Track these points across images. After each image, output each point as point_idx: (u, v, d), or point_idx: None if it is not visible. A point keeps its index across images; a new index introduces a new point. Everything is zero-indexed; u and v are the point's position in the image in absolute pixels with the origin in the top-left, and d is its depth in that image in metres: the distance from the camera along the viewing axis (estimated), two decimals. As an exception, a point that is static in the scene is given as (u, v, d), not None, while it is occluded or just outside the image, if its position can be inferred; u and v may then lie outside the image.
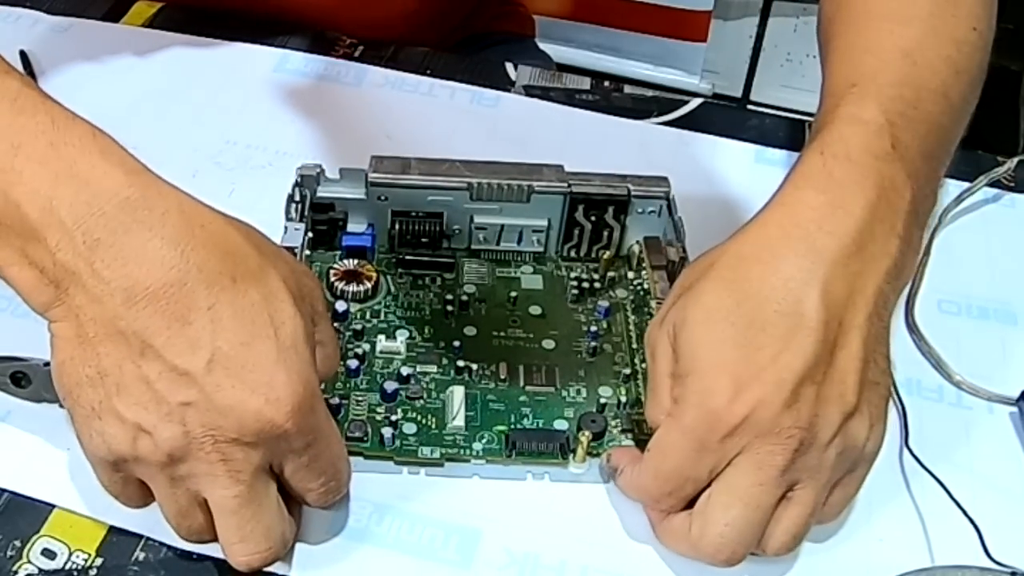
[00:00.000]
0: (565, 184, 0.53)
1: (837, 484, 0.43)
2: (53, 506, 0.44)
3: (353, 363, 0.49)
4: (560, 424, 0.48)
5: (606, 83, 0.70)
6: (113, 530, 0.43)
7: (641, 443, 0.48)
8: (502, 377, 0.50)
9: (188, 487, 0.39)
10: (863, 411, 0.42)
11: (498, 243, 0.55)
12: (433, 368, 0.50)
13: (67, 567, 0.42)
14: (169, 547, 0.43)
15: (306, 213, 0.52)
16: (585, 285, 0.54)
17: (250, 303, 0.38)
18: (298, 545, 0.43)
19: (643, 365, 0.50)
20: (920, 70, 0.48)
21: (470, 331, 0.52)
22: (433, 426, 0.47)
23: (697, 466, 0.41)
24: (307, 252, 0.51)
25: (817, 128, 0.47)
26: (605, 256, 0.55)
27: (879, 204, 0.43)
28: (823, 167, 0.44)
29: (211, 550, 0.43)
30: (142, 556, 0.43)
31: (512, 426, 0.48)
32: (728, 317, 0.41)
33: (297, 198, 0.52)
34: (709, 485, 0.42)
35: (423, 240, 0.55)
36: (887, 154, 0.44)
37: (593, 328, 0.52)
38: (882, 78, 0.47)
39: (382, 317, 0.52)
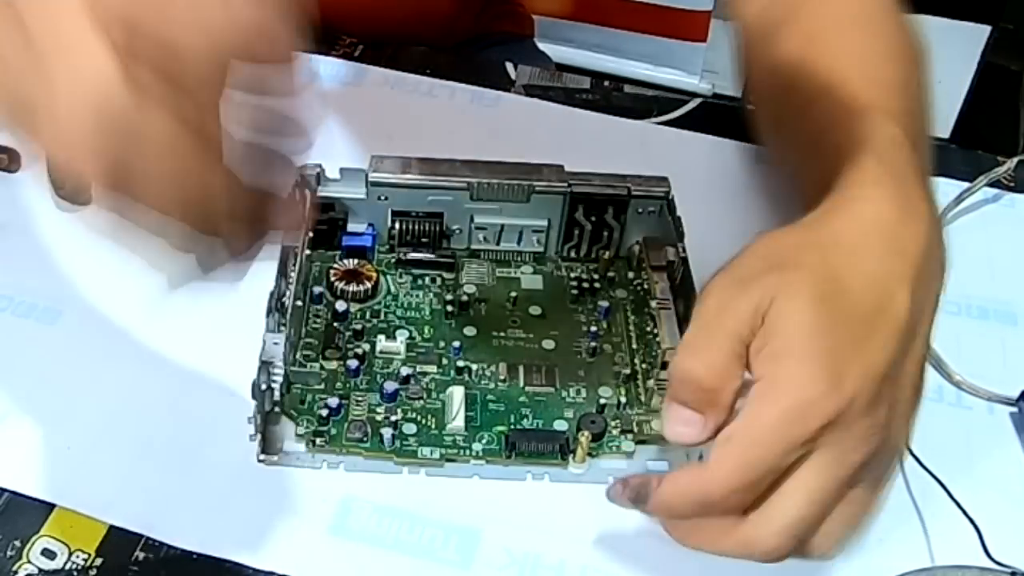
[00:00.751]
0: (565, 184, 0.53)
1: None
2: (53, 506, 0.44)
3: (353, 363, 0.49)
4: (560, 424, 0.48)
5: (606, 83, 0.70)
6: (113, 530, 0.43)
7: (642, 443, 0.48)
8: (502, 377, 0.50)
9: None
10: (906, 415, 0.41)
11: (498, 243, 0.55)
12: (433, 368, 0.50)
13: (67, 567, 0.42)
14: (169, 547, 0.43)
15: (306, 213, 0.52)
16: (585, 285, 0.54)
17: None
18: (298, 545, 0.43)
19: (643, 365, 0.50)
20: (909, 101, 0.50)
21: (470, 331, 0.52)
22: (433, 426, 0.47)
23: (786, 457, 0.39)
24: (307, 252, 0.51)
25: (849, 132, 0.47)
26: (605, 256, 0.55)
27: (934, 215, 0.44)
28: (887, 172, 0.44)
29: (211, 550, 0.43)
30: (142, 556, 0.43)
31: (512, 426, 0.48)
32: (826, 305, 0.40)
33: (297, 198, 0.52)
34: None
35: (423, 240, 0.55)
36: (924, 173, 0.46)
37: (593, 328, 0.52)
38: (888, 104, 0.49)
39: (382, 317, 0.52)
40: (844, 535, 0.40)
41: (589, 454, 0.46)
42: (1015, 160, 0.65)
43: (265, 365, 0.45)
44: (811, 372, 0.39)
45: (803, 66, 0.53)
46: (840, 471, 0.39)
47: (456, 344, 0.50)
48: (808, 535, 0.40)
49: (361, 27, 0.72)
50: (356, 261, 0.53)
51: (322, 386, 0.49)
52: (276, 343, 0.45)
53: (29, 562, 0.42)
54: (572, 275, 0.55)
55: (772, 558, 0.39)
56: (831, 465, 0.39)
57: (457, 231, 0.55)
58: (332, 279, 0.52)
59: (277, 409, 0.47)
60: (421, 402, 0.48)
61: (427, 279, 0.54)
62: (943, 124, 1.53)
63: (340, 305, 0.51)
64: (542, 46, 0.92)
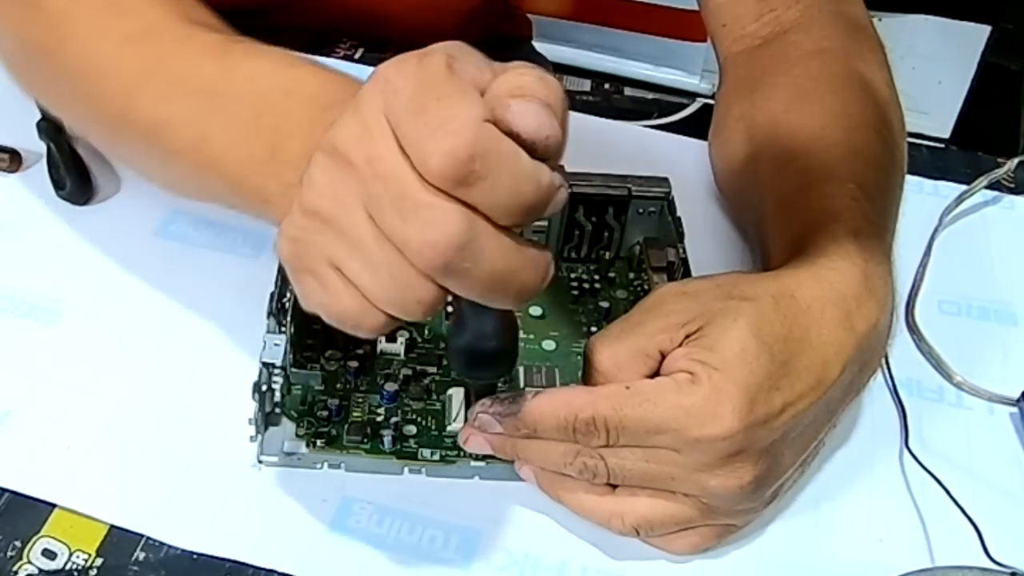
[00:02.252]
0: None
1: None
2: (53, 506, 0.44)
3: (353, 364, 0.49)
4: (560, 424, 0.48)
5: (607, 85, 0.70)
6: (113, 530, 0.43)
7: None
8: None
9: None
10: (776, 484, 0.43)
11: (498, 243, 0.55)
12: (433, 369, 0.50)
13: (67, 567, 0.42)
14: (169, 547, 0.43)
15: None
16: (585, 286, 0.54)
17: None
18: (298, 545, 0.43)
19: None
20: (867, 169, 0.51)
21: (470, 331, 0.52)
22: (433, 427, 0.47)
23: (657, 440, 0.40)
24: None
25: (824, 198, 0.49)
26: (605, 257, 0.55)
27: (889, 297, 0.46)
28: (858, 249, 0.46)
29: (211, 550, 0.43)
30: (142, 556, 0.43)
31: (512, 426, 0.48)
32: (765, 342, 0.41)
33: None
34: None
35: (423, 240, 0.54)
36: (889, 249, 0.48)
37: (593, 329, 0.52)
38: (841, 169, 0.50)
39: (382, 317, 0.52)
40: (681, 552, 0.43)
41: (589, 454, 0.46)
42: (1015, 161, 0.65)
43: (266, 366, 0.45)
44: (728, 395, 0.40)
45: (779, 128, 0.54)
46: (696, 511, 0.42)
47: (456, 344, 0.50)
48: (652, 537, 0.43)
49: (362, 29, 0.72)
50: (356, 261, 0.53)
51: (322, 387, 0.49)
52: (277, 344, 0.45)
53: (29, 562, 0.42)
54: (572, 275, 0.55)
55: (618, 533, 0.43)
56: (693, 503, 0.42)
57: (457, 231, 0.55)
58: (332, 279, 0.52)
59: (278, 410, 0.47)
60: (421, 403, 0.48)
61: (427, 279, 0.54)
62: (943, 124, 1.53)
63: (340, 305, 0.51)
64: (542, 46, 0.92)
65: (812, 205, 0.49)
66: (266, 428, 0.47)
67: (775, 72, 0.57)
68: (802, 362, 0.42)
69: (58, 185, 0.58)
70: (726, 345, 0.41)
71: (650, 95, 0.70)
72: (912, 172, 0.64)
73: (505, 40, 0.88)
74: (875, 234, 0.47)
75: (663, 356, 0.42)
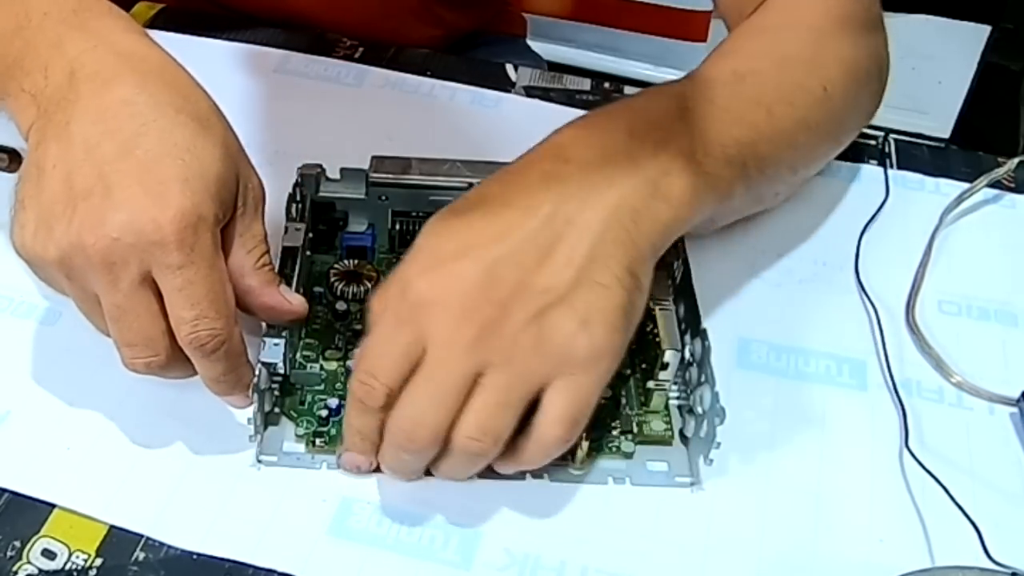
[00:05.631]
0: (565, 184, 0.53)
1: (549, 387, 0.41)
2: (53, 506, 0.44)
3: (352, 364, 0.49)
4: (560, 424, 0.48)
5: (606, 84, 0.70)
6: (113, 530, 0.43)
7: (642, 444, 0.48)
8: (502, 377, 0.49)
9: (84, 288, 0.42)
10: (573, 306, 0.41)
11: (498, 243, 0.55)
12: (433, 368, 0.50)
13: (67, 567, 0.42)
14: (169, 547, 0.43)
15: (307, 213, 0.52)
16: (585, 285, 0.54)
17: (180, 131, 0.42)
18: (298, 545, 0.43)
19: (643, 366, 0.50)
20: (747, 86, 0.51)
21: (470, 331, 0.52)
22: (433, 426, 0.47)
23: (396, 342, 0.41)
24: (307, 252, 0.51)
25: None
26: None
27: (646, 135, 0.45)
28: (604, 109, 0.48)
29: (211, 550, 0.43)
30: (142, 556, 0.43)
31: (512, 426, 0.47)
32: (453, 208, 0.43)
33: (298, 198, 0.52)
34: None
35: (423, 240, 0.54)
36: (671, 112, 0.47)
37: (593, 328, 0.52)
38: (707, 83, 0.50)
39: (382, 317, 0.52)
40: (482, 421, 0.41)
41: (588, 455, 0.46)
42: (1015, 161, 0.65)
43: (265, 366, 0.45)
44: (413, 257, 0.43)
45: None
46: (449, 350, 0.41)
47: (456, 344, 0.50)
48: (433, 415, 0.41)
49: (360, 28, 0.72)
50: (356, 261, 0.53)
51: (322, 387, 0.49)
52: (276, 344, 0.45)
53: (29, 562, 0.42)
54: (572, 275, 0.55)
55: (401, 439, 0.42)
56: (443, 344, 0.41)
57: (457, 231, 0.54)
58: (332, 279, 0.52)
59: (277, 409, 0.47)
60: (421, 402, 0.48)
61: (427, 279, 0.54)
62: (943, 124, 1.53)
63: (340, 305, 0.51)
64: (543, 46, 0.92)
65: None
66: (265, 428, 0.47)
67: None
68: (497, 203, 0.43)
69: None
70: (422, 232, 0.44)
71: (650, 95, 0.70)
72: (913, 171, 0.64)
73: (499, 38, 0.88)
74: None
75: None
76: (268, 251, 0.46)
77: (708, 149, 0.47)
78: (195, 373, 0.44)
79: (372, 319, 0.43)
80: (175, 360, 0.43)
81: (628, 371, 0.50)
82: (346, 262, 0.53)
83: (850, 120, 0.58)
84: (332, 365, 0.49)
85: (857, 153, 0.64)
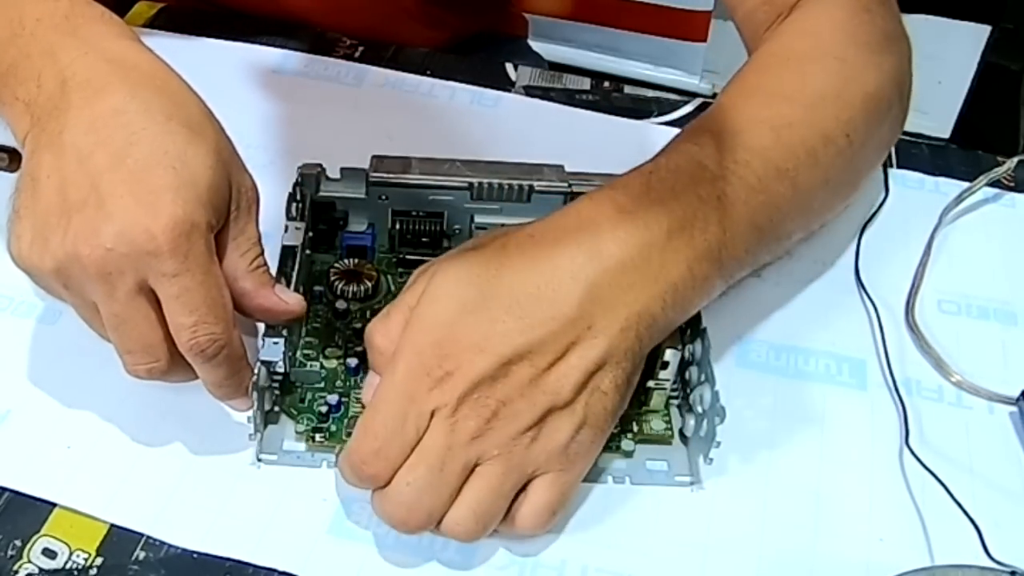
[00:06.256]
0: (565, 184, 0.53)
1: (536, 478, 0.43)
2: (53, 505, 0.44)
3: (353, 362, 0.49)
4: (560, 424, 0.48)
5: (606, 83, 0.70)
6: (113, 529, 0.43)
7: (642, 443, 0.48)
8: (502, 377, 0.49)
9: (83, 296, 0.42)
10: (574, 411, 0.43)
11: (498, 243, 0.55)
12: (433, 368, 0.50)
13: (67, 567, 0.42)
14: (170, 546, 0.43)
15: (307, 212, 0.52)
16: (585, 285, 0.54)
17: (171, 139, 0.42)
18: (298, 545, 0.43)
19: (643, 365, 0.50)
20: (779, 149, 0.50)
21: (470, 331, 0.52)
22: (433, 426, 0.47)
23: (405, 421, 0.41)
24: (307, 251, 0.51)
25: (660, 151, 0.49)
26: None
27: (680, 234, 0.45)
28: (644, 184, 0.46)
29: (211, 549, 0.43)
30: (142, 555, 0.43)
31: (512, 426, 0.47)
32: (481, 282, 0.43)
33: (298, 197, 0.52)
34: None
35: (424, 240, 0.55)
36: (709, 199, 0.46)
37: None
38: (740, 140, 0.49)
39: (382, 317, 0.52)
40: (474, 509, 0.42)
41: (589, 454, 0.46)
42: (1015, 160, 0.65)
43: (265, 364, 0.45)
44: (424, 328, 0.43)
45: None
46: (452, 436, 0.41)
47: (456, 344, 0.50)
48: (429, 500, 0.41)
49: (360, 28, 0.72)
50: (356, 261, 0.53)
51: (322, 385, 0.49)
52: (276, 342, 0.45)
53: (30, 562, 0.42)
54: (572, 275, 0.55)
55: (396, 520, 0.42)
56: (445, 429, 0.41)
57: (457, 231, 0.55)
58: (332, 279, 0.52)
59: (277, 408, 0.47)
60: (421, 402, 0.48)
61: (427, 279, 0.54)
62: (943, 124, 1.53)
63: (340, 304, 0.51)
64: (543, 46, 0.92)
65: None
66: (265, 426, 0.47)
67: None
68: (523, 291, 0.43)
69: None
70: (433, 290, 0.43)
71: (650, 93, 0.70)
72: (912, 170, 0.64)
73: (501, 38, 0.88)
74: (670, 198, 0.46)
75: None
76: (262, 253, 0.46)
77: (732, 249, 0.47)
78: (197, 376, 0.44)
79: (377, 358, 0.44)
80: (176, 365, 0.43)
81: (628, 370, 0.50)
82: (346, 261, 0.53)
83: (867, 166, 0.57)
84: (332, 363, 0.49)
85: (857, 153, 0.64)
